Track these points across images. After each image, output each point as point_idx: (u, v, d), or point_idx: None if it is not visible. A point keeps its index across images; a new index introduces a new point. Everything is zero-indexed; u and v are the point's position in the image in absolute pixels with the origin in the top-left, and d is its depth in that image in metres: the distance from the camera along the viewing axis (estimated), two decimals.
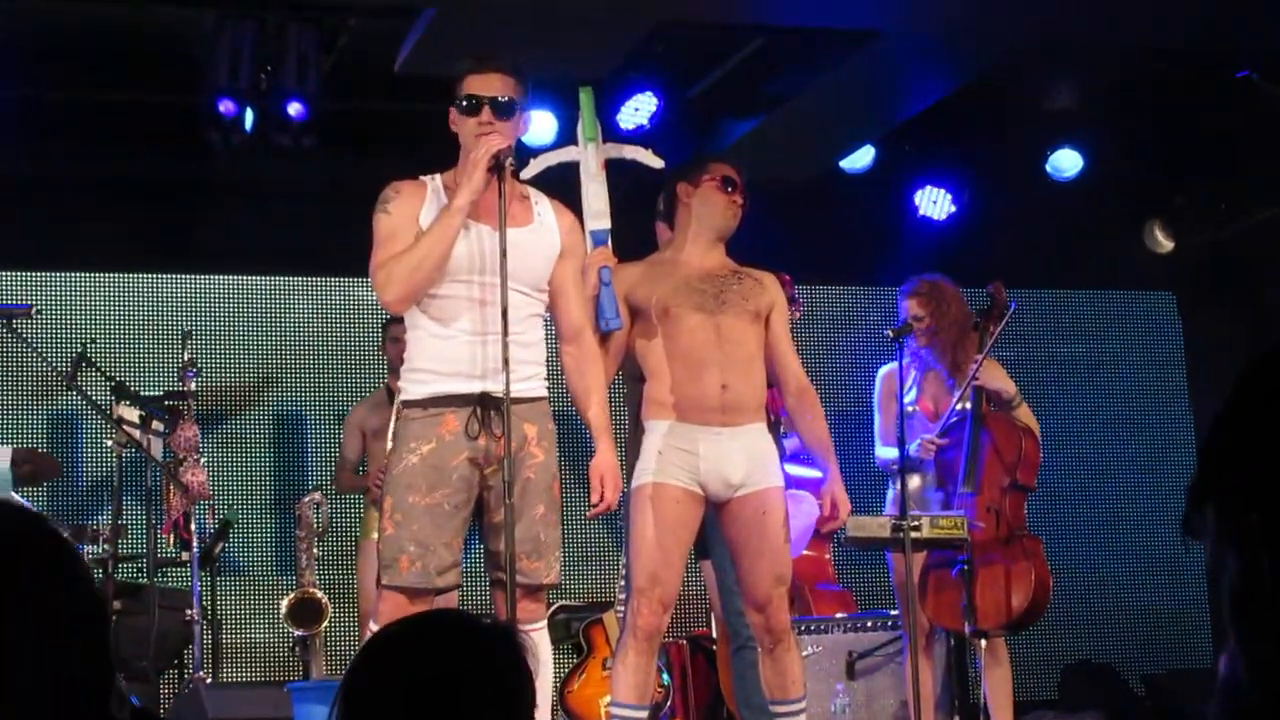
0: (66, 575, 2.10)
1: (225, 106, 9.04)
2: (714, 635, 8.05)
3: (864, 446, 8.02)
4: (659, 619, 6.02)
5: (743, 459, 6.07)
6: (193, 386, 8.58)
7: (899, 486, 7.34)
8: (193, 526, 8.28)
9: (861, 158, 10.32)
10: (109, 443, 8.30)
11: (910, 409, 7.62)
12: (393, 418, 5.51)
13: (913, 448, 7.50)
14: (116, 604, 8.06)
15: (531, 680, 2.50)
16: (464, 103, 5.46)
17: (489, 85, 5.46)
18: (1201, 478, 1.91)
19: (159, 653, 8.17)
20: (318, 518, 8.82)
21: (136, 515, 8.66)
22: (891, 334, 7.47)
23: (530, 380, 5.41)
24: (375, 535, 5.90)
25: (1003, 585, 7.41)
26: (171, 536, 8.41)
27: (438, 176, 5.53)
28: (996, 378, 7.66)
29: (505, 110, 5.46)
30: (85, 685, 2.06)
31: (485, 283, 5.35)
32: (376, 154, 9.14)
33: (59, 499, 9.49)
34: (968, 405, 7.58)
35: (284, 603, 8.76)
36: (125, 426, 8.17)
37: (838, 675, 8.20)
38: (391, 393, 8.27)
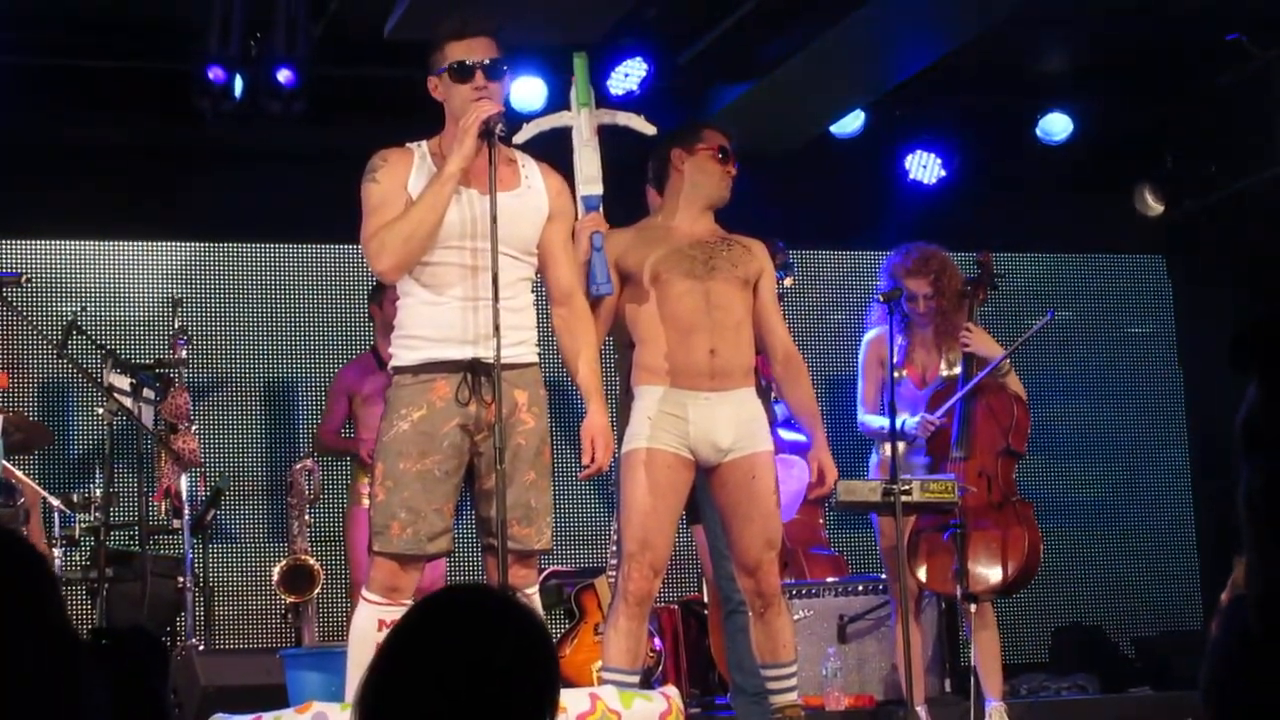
0: (44, 605, 2.08)
1: (215, 73, 9.03)
2: (705, 600, 8.07)
3: (854, 411, 8.01)
4: (650, 584, 6.04)
5: (731, 423, 6.09)
6: (184, 354, 8.58)
7: (884, 452, 7.34)
8: (184, 494, 8.30)
9: (852, 122, 10.32)
10: (100, 410, 8.29)
11: (898, 374, 7.61)
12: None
13: (911, 423, 7.49)
14: (109, 571, 8.06)
15: (556, 664, 2.49)
16: (454, 68, 5.45)
17: (477, 49, 5.45)
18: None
19: (151, 620, 8.18)
20: (309, 485, 8.81)
21: (128, 483, 8.64)
22: (882, 298, 7.45)
23: (520, 346, 5.42)
24: (364, 502, 5.91)
25: (996, 550, 7.42)
26: (163, 504, 8.43)
27: (424, 143, 5.52)
28: (986, 345, 7.66)
29: (496, 73, 5.46)
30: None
31: (476, 248, 5.35)
32: (366, 120, 9.11)
33: (50, 467, 9.49)
34: (957, 371, 7.59)
35: (276, 569, 8.76)
36: (116, 394, 8.16)
37: (829, 639, 8.24)
38: (378, 356, 8.27)
